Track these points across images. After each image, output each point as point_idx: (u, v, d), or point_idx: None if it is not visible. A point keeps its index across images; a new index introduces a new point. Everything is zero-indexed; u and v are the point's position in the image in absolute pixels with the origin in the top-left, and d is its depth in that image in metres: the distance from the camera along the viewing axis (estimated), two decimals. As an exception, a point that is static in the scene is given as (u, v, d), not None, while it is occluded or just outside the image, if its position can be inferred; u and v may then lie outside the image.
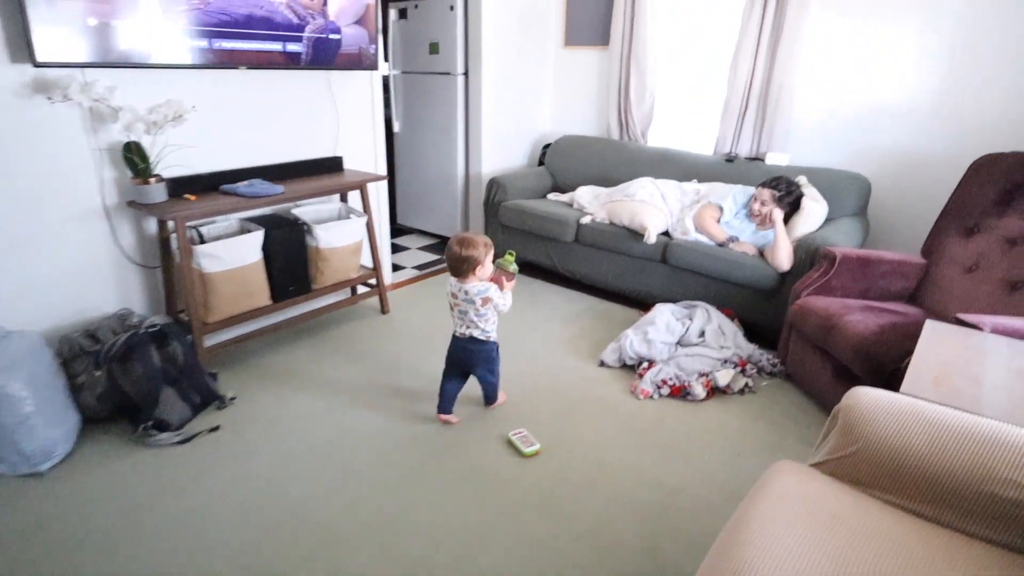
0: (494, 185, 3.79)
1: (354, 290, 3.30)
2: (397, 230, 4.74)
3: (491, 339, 2.17)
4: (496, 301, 2.07)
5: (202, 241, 2.49)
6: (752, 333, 2.95)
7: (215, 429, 2.20)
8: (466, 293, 2.06)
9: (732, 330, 2.79)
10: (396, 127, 4.47)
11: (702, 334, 2.76)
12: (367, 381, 2.55)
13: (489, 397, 2.33)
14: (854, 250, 2.52)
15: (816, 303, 2.41)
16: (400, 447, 2.13)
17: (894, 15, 3.01)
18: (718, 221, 3.08)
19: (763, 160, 3.40)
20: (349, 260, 2.92)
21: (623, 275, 3.33)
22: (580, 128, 4.33)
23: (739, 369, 2.57)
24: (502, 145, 4.20)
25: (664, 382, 2.49)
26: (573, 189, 3.89)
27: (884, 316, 2.26)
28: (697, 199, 3.26)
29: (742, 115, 3.47)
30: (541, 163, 4.29)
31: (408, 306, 3.33)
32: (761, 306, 2.90)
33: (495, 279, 2.12)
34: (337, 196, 3.12)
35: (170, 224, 2.39)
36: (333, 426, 2.23)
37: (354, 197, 3.17)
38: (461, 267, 2.03)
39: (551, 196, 3.90)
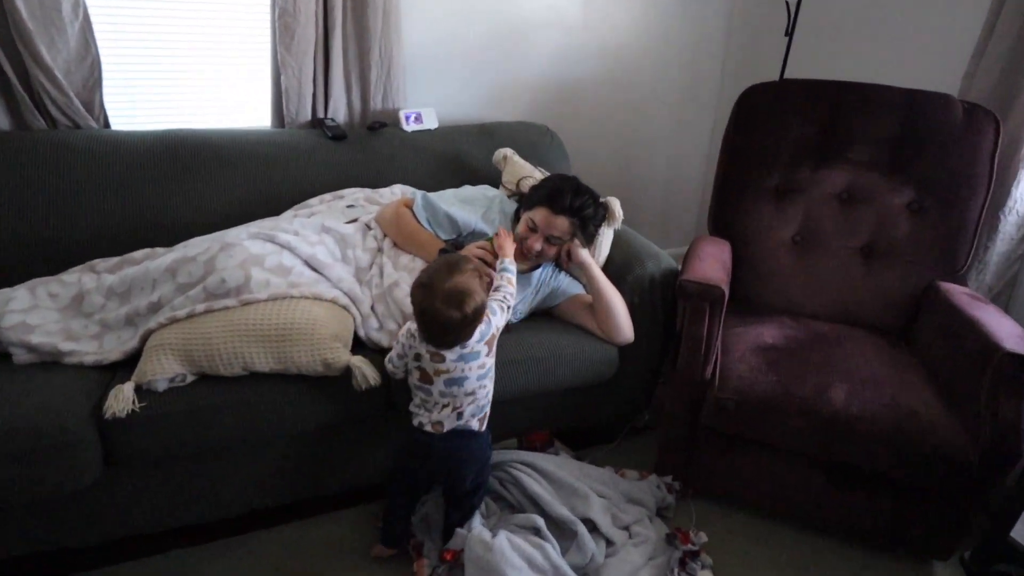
0: None
1: None
2: None
3: (485, 425, 1.25)
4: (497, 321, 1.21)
5: None
6: (574, 440, 1.67)
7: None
8: (461, 358, 1.13)
9: (614, 483, 1.46)
10: None
11: (610, 544, 1.34)
12: None
13: (454, 533, 1.26)
14: (716, 265, 1.53)
15: (766, 389, 1.37)
16: None
17: None
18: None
19: (392, 124, 1.84)
20: None
21: (284, 478, 1.35)
22: None
23: (678, 543, 1.35)
24: None
25: None
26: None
27: (849, 367, 1.43)
28: (374, 237, 1.50)
29: (322, 36, 1.72)
30: None
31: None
32: (588, 403, 1.60)
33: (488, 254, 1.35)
34: None
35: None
36: None
37: None
38: (461, 334, 1.12)
39: None
